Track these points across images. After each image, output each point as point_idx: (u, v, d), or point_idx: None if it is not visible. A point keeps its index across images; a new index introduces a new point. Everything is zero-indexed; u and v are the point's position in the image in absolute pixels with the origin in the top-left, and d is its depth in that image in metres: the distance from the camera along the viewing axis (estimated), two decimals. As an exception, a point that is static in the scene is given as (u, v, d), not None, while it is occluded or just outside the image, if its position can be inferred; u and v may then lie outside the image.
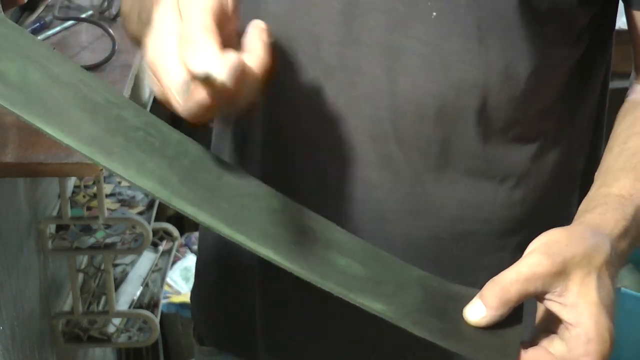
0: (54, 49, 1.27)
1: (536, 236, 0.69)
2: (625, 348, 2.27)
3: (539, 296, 0.65)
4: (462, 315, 0.65)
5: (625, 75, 0.85)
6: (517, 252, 0.79)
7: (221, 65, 0.56)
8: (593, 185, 0.77)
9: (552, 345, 0.65)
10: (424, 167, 0.80)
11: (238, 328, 0.95)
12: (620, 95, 0.85)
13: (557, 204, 0.87)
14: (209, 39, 0.58)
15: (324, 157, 0.81)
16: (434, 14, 0.75)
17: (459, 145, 0.80)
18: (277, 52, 0.74)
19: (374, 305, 0.62)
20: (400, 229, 0.82)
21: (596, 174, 0.78)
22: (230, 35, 0.63)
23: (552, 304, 0.65)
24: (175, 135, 0.64)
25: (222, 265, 0.95)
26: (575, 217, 0.73)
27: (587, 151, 0.89)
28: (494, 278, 0.64)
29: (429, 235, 0.82)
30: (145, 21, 0.76)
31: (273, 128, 0.83)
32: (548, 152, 0.84)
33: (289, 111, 0.82)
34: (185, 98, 0.58)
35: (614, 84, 0.89)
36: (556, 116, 0.84)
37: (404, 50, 0.77)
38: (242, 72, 0.58)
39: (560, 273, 0.64)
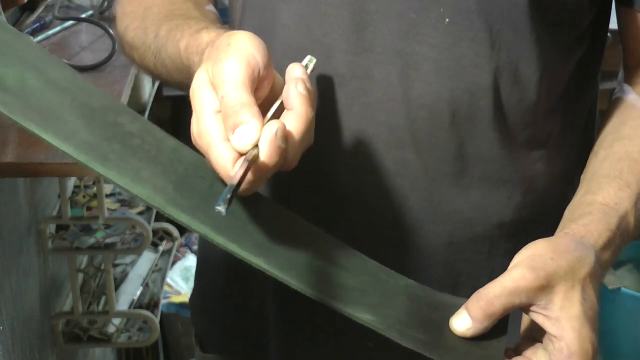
0: (50, 52, 1.27)
1: (544, 236, 0.70)
2: (625, 347, 2.27)
3: (524, 308, 0.66)
4: (447, 324, 0.66)
5: (623, 76, 0.86)
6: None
7: (264, 145, 0.57)
8: (578, 190, 0.77)
9: (536, 355, 0.66)
10: (441, 172, 0.81)
11: (246, 335, 0.94)
12: (619, 96, 0.86)
13: (561, 203, 0.87)
14: (248, 116, 0.58)
15: (339, 165, 0.81)
16: (447, 20, 0.76)
17: (474, 150, 0.80)
18: (288, 61, 0.75)
19: (363, 316, 0.63)
20: (416, 235, 0.82)
21: (582, 176, 0.79)
22: (267, 91, 0.64)
23: (537, 315, 0.66)
24: (170, 141, 0.64)
25: (228, 270, 0.94)
26: (560, 225, 0.74)
27: (584, 150, 0.89)
28: (479, 290, 0.65)
29: (443, 240, 0.83)
30: (171, 68, 0.76)
31: None
32: (555, 153, 0.85)
33: None
34: (237, 175, 0.58)
35: (614, 84, 0.89)
36: (559, 117, 0.84)
37: (416, 56, 0.77)
38: (285, 141, 0.59)
39: (545, 287, 0.65)
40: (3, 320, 1.27)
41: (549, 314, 0.65)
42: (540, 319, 0.66)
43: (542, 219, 0.86)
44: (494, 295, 0.65)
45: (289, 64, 0.69)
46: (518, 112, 0.80)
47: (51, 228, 1.51)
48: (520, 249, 0.81)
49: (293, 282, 0.61)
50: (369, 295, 0.66)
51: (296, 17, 0.79)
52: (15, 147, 1.05)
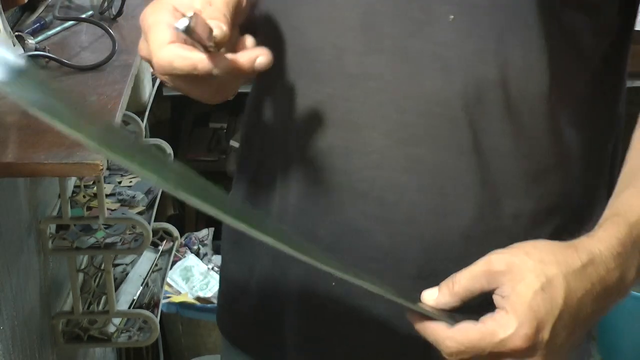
0: (51, 52, 1.27)
1: (570, 222, 0.76)
2: (625, 347, 2.27)
3: (489, 293, 0.71)
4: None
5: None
6: (553, 239, 0.81)
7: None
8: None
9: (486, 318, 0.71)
10: (457, 168, 0.81)
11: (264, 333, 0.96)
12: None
13: (586, 189, 0.88)
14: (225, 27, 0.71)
15: (354, 163, 0.83)
16: (451, 17, 0.77)
17: (488, 143, 0.81)
18: (301, 63, 0.83)
19: (371, 287, 0.68)
20: (431, 230, 0.83)
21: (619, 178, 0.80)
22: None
23: (495, 297, 0.71)
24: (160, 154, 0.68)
25: (252, 289, 0.96)
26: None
27: (615, 135, 0.90)
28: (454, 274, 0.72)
29: (459, 235, 0.84)
30: None
31: (301, 137, 0.85)
32: (578, 141, 0.85)
33: (316, 120, 0.84)
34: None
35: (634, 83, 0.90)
36: (587, 105, 0.84)
37: (424, 54, 0.78)
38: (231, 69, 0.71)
39: (505, 273, 0.70)
40: (3, 320, 1.27)
41: (503, 293, 0.69)
42: (496, 299, 0.70)
43: (566, 205, 0.86)
44: (460, 276, 0.71)
45: (302, 66, 0.81)
46: (531, 104, 0.80)
47: (51, 228, 1.51)
48: (545, 237, 0.83)
49: (314, 261, 0.65)
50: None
51: (307, 20, 0.82)
52: (15, 147, 1.05)
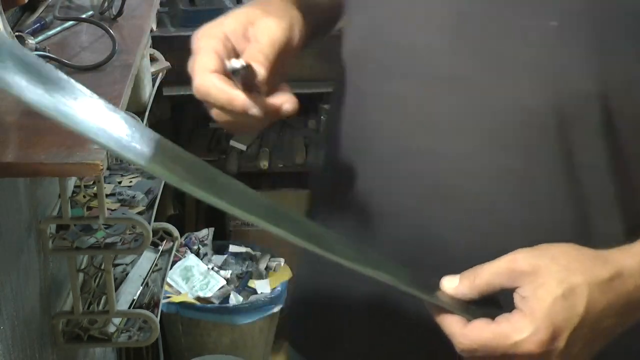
0: (51, 52, 1.27)
1: None
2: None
3: (510, 291, 0.70)
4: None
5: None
6: None
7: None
8: None
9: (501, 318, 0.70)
10: (547, 180, 0.78)
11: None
12: None
13: None
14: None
15: (442, 168, 0.80)
16: (553, 23, 0.74)
17: (583, 159, 0.77)
18: (389, 62, 0.81)
19: (384, 277, 0.69)
20: (518, 244, 0.78)
21: None
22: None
23: (515, 295, 0.70)
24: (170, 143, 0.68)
25: (327, 306, 0.95)
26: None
27: None
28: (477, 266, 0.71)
29: None
30: None
31: (386, 138, 0.83)
32: None
33: (402, 121, 0.82)
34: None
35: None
36: None
37: (518, 60, 0.75)
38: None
39: (529, 273, 0.68)
40: (3, 320, 1.27)
41: (523, 294, 0.68)
42: (516, 298, 0.69)
43: None
44: (482, 269, 0.70)
45: (390, 65, 0.80)
46: (630, 122, 0.76)
47: (51, 228, 1.51)
48: None
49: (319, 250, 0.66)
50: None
51: (398, 18, 0.80)
52: (15, 147, 1.05)
